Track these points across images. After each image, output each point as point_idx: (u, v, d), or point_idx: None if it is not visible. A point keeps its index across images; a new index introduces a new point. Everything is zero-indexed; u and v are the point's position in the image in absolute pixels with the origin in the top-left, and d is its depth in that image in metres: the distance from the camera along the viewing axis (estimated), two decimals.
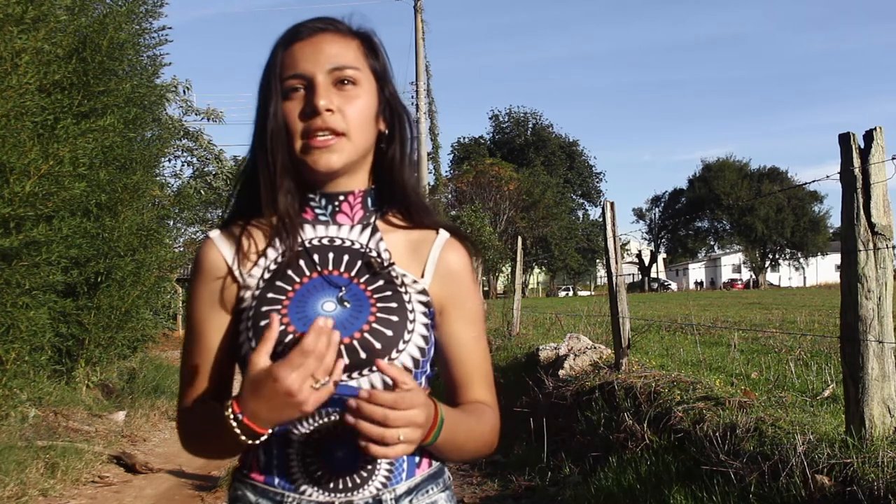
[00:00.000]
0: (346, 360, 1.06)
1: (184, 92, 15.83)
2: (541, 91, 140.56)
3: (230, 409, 1.01)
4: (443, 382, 1.24)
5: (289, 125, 1.10)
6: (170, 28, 7.59)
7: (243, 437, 1.01)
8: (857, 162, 2.98)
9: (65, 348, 6.98)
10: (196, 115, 16.59)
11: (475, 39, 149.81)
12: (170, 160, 15.37)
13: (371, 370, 1.08)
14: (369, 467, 1.09)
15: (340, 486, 1.08)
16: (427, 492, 1.14)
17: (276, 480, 1.09)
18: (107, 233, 6.84)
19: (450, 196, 38.89)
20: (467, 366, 1.21)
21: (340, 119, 1.10)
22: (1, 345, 5.13)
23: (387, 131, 1.19)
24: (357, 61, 1.14)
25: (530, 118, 62.10)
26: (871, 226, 2.97)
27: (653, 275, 68.54)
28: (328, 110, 1.09)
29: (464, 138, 59.77)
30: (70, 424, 6.13)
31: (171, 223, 9.57)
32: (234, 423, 1.01)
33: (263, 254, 1.15)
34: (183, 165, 17.90)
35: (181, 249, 11.49)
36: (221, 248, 1.16)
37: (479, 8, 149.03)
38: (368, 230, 1.18)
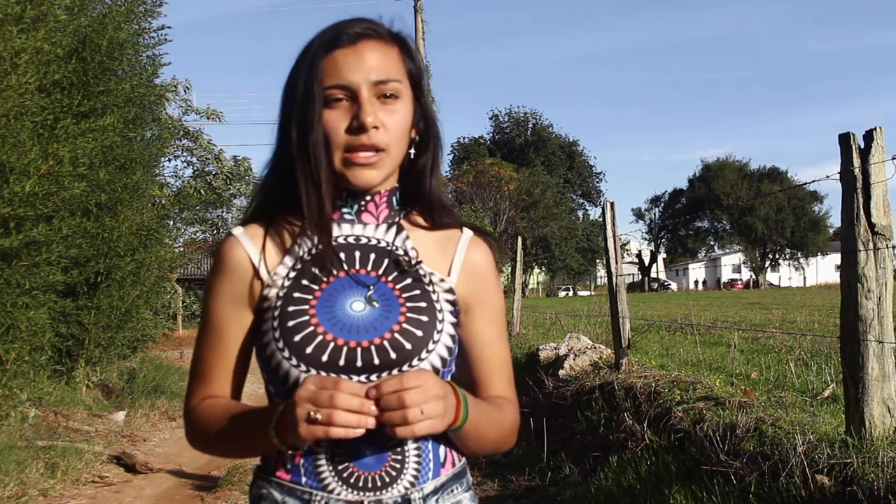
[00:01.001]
0: (376, 361, 1.07)
1: (184, 91, 15.86)
2: (541, 91, 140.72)
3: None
4: (463, 380, 1.24)
5: (332, 136, 1.09)
6: (169, 27, 7.59)
7: (276, 440, 1.02)
8: (857, 162, 2.98)
9: (65, 348, 6.98)
10: (196, 114, 16.62)
11: (475, 39, 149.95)
12: (170, 160, 15.41)
13: (401, 370, 1.08)
14: (398, 466, 1.08)
15: (370, 485, 1.07)
16: (452, 491, 1.14)
17: (304, 479, 1.08)
18: (107, 233, 6.83)
19: (450, 196, 38.89)
20: (490, 364, 1.21)
21: (384, 134, 1.10)
22: (1, 345, 5.13)
23: (418, 138, 1.18)
24: (398, 72, 1.13)
25: (530, 118, 62.15)
26: (871, 226, 2.97)
27: (653, 275, 68.54)
28: (374, 127, 1.09)
29: (464, 138, 59.87)
30: (70, 424, 6.13)
31: (171, 223, 9.57)
32: (274, 423, 1.02)
33: (289, 252, 1.15)
34: (183, 165, 17.94)
35: (181, 249, 11.50)
36: (246, 246, 1.15)
37: (479, 8, 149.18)
38: (394, 229, 1.18)
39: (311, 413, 0.94)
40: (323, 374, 1.06)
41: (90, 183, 5.70)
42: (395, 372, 1.07)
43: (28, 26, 4.94)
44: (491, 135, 62.30)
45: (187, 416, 1.17)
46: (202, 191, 16.59)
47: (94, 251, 6.60)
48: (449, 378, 1.15)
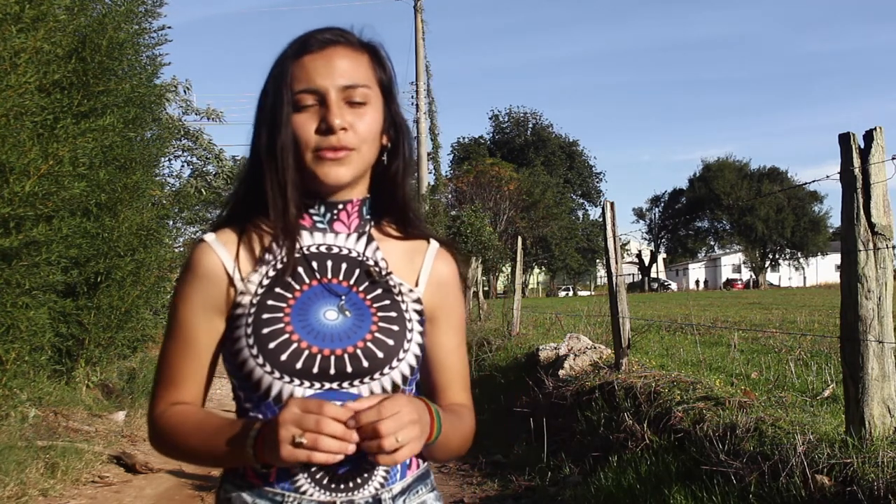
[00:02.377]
0: (349, 369, 1.09)
1: (184, 92, 15.84)
2: (541, 91, 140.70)
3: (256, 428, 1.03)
4: (423, 386, 1.27)
5: (301, 138, 1.11)
6: (169, 28, 7.60)
7: (253, 459, 1.03)
8: (857, 162, 2.98)
9: (65, 348, 6.97)
10: (196, 114, 16.60)
11: (475, 39, 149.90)
12: (169, 160, 15.37)
13: (372, 378, 1.10)
14: (369, 467, 1.10)
15: (342, 486, 1.09)
16: (417, 492, 1.17)
17: (276, 482, 1.09)
18: (107, 233, 6.83)
19: (450, 196, 38.88)
20: (450, 372, 1.26)
21: (353, 136, 1.12)
22: (1, 345, 5.13)
23: (389, 145, 1.20)
24: (367, 78, 1.15)
25: (530, 118, 62.09)
26: (871, 226, 2.97)
27: (653, 275, 68.54)
28: (342, 129, 1.10)
29: (464, 138, 59.77)
30: (70, 424, 6.13)
31: (171, 223, 9.57)
32: (252, 441, 1.02)
33: (262, 259, 1.15)
34: (182, 165, 17.92)
35: (181, 249, 11.49)
36: (219, 252, 1.15)
37: (479, 8, 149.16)
38: (364, 239, 1.20)
39: (297, 437, 0.95)
40: (297, 381, 1.08)
41: (90, 183, 5.70)
42: (366, 380, 1.10)
43: (27, 26, 4.94)
44: (491, 135, 62.28)
45: (153, 422, 1.17)
46: (203, 190, 16.59)
47: (94, 251, 6.60)
48: (414, 385, 1.19)
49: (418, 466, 1.19)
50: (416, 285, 1.21)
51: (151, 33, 7.41)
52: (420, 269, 1.22)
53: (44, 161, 5.03)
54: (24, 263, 5.07)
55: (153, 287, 8.11)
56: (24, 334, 5.20)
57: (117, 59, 6.55)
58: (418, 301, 1.19)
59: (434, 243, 1.26)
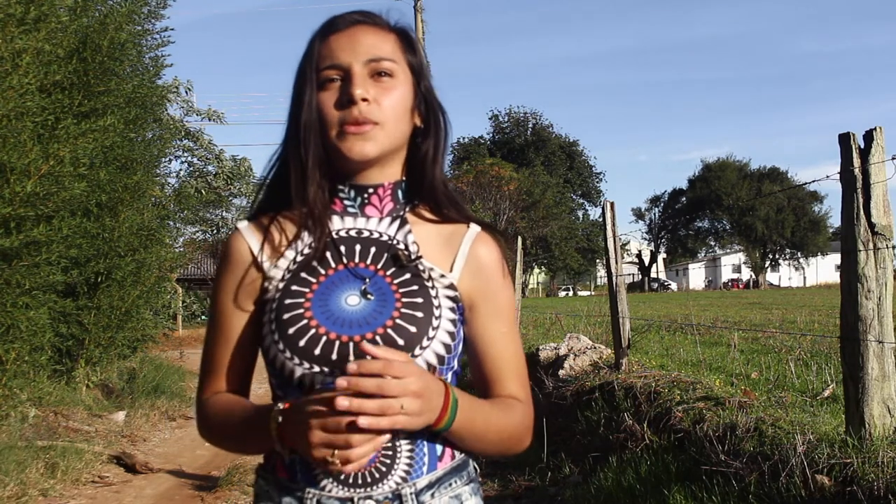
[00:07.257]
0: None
1: (185, 93, 15.85)
2: (541, 91, 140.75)
3: (278, 408, 1.02)
4: (473, 379, 1.22)
5: (324, 115, 1.10)
6: (172, 29, 7.61)
7: (275, 437, 1.02)
8: (857, 162, 2.98)
9: (65, 348, 6.98)
10: (197, 115, 16.61)
11: (475, 39, 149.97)
12: (170, 160, 15.39)
13: None
14: (388, 462, 1.07)
15: (359, 482, 1.06)
16: (450, 485, 1.11)
17: (298, 476, 1.09)
18: (107, 233, 6.84)
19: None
20: (498, 361, 1.18)
21: (376, 109, 1.09)
22: (1, 345, 5.13)
23: (422, 125, 1.18)
24: (394, 54, 1.13)
25: (530, 118, 62.08)
26: (871, 226, 2.97)
27: (653, 275, 68.53)
28: (364, 100, 1.08)
29: (464, 138, 59.75)
30: (70, 424, 6.13)
31: (172, 223, 9.57)
32: (275, 426, 1.01)
33: (291, 245, 1.15)
34: (182, 165, 17.94)
35: (181, 249, 11.50)
36: (249, 239, 1.16)
37: (479, 8, 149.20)
38: (397, 222, 1.17)
39: (329, 458, 0.95)
40: (316, 367, 1.05)
41: (90, 183, 5.71)
42: None
43: (30, 27, 4.94)
44: (491, 135, 62.25)
45: (198, 409, 1.19)
46: (203, 190, 16.60)
47: (94, 251, 6.60)
48: (450, 376, 1.14)
49: (453, 457, 1.13)
50: (451, 270, 1.15)
51: (154, 34, 7.43)
52: (456, 253, 1.17)
53: (44, 161, 5.04)
54: (24, 263, 5.07)
55: (153, 287, 8.12)
56: (24, 334, 5.20)
57: (118, 59, 6.55)
58: (451, 287, 1.14)
59: (474, 227, 1.20)
